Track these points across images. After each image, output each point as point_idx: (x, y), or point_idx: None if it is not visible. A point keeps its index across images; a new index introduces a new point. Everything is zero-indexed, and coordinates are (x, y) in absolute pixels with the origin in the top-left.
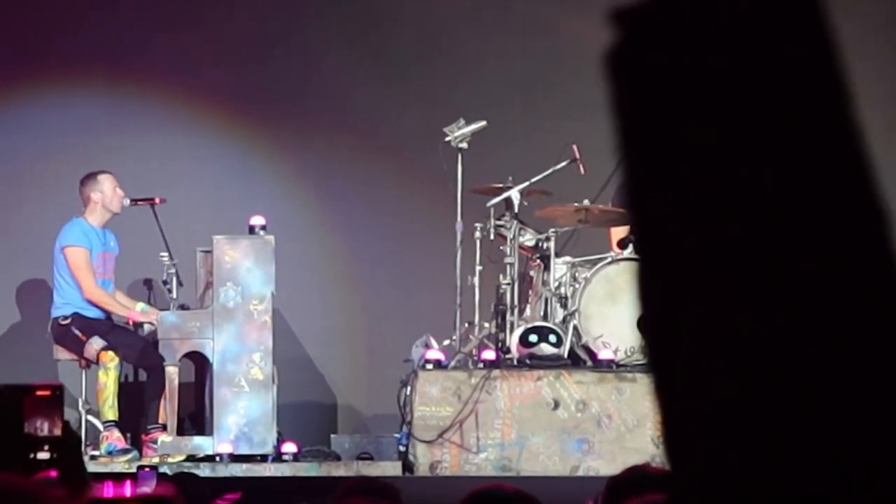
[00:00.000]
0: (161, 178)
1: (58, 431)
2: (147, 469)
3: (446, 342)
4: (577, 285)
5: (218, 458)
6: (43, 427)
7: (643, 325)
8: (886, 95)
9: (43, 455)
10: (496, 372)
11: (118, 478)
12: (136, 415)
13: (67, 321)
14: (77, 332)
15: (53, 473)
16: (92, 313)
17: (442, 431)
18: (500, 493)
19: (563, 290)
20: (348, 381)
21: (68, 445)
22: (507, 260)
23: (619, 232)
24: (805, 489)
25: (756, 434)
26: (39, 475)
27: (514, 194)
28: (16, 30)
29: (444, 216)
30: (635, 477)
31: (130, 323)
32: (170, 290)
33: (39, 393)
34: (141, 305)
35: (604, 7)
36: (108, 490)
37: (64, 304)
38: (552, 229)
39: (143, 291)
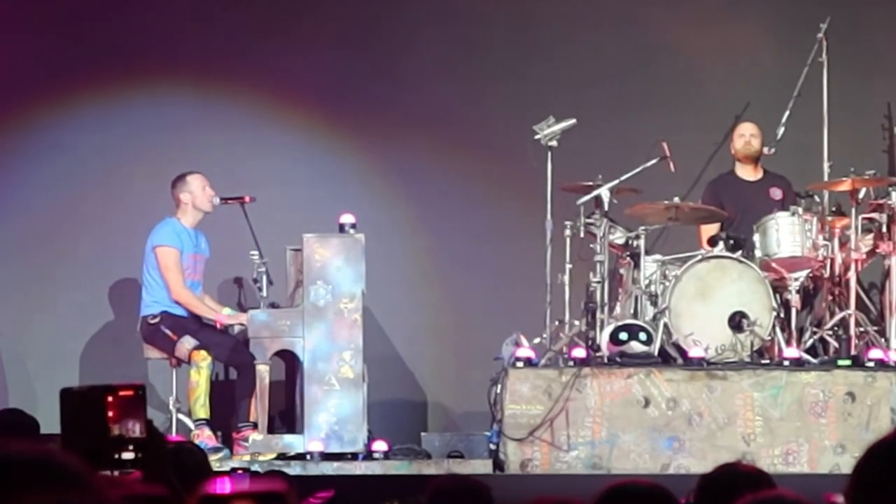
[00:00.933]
0: (251, 177)
1: (142, 431)
2: (241, 472)
3: (536, 340)
4: (667, 283)
5: (308, 457)
6: (127, 427)
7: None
8: None
9: (128, 455)
10: (586, 370)
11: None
12: (226, 413)
13: (156, 320)
14: (167, 330)
15: (138, 474)
16: (180, 311)
17: (532, 429)
18: (636, 488)
19: (653, 287)
20: (438, 379)
21: (153, 445)
22: (597, 258)
23: (709, 229)
24: None
25: None
26: (125, 475)
27: (604, 192)
28: (105, 29)
29: (533, 214)
30: (727, 475)
31: (219, 326)
32: (260, 289)
33: (122, 393)
34: (227, 311)
35: (696, 9)
36: (218, 486)
37: (153, 303)
38: (642, 227)
39: (233, 290)
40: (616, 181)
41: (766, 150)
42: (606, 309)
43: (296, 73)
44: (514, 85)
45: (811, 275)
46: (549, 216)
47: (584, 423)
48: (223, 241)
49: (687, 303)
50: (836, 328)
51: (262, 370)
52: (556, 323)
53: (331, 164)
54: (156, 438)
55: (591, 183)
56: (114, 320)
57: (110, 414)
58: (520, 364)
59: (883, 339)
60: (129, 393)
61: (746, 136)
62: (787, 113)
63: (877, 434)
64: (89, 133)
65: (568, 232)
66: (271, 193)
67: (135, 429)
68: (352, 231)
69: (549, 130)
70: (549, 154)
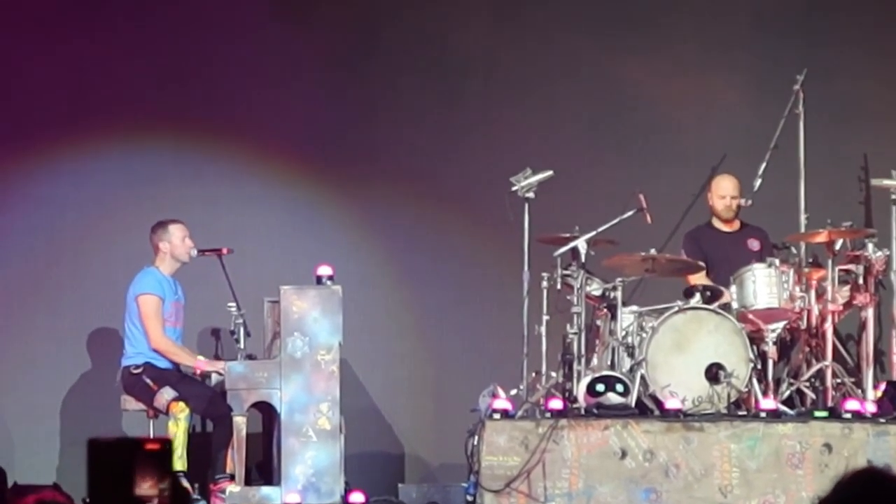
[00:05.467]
0: (229, 229)
1: (167, 487)
2: None
3: (513, 392)
4: (644, 335)
5: None
6: (151, 482)
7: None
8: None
9: None
10: (563, 421)
11: None
12: (203, 465)
13: (139, 370)
14: (149, 381)
15: None
16: (163, 364)
17: (509, 481)
18: None
19: (630, 339)
20: (415, 431)
21: (179, 499)
22: (574, 309)
23: (696, 279)
24: None
25: None
26: None
27: (581, 244)
28: (82, 82)
29: (510, 266)
30: None
31: (198, 373)
32: (237, 341)
33: (150, 447)
34: (201, 359)
35: (671, 61)
36: None
37: (136, 354)
38: (619, 279)
39: (210, 342)
40: (593, 233)
41: (742, 201)
42: (583, 360)
43: (273, 126)
44: (491, 137)
45: (788, 326)
46: (526, 268)
47: (561, 475)
48: (201, 293)
49: (664, 354)
50: (812, 379)
51: (239, 422)
52: (533, 374)
53: (308, 216)
54: (180, 494)
55: (567, 235)
56: (92, 372)
57: (137, 468)
58: (496, 416)
59: (859, 391)
60: (156, 447)
61: (727, 198)
62: (763, 164)
63: None
64: (66, 186)
65: (545, 283)
66: (249, 245)
67: (161, 484)
68: (329, 283)
69: (526, 182)
70: (526, 206)
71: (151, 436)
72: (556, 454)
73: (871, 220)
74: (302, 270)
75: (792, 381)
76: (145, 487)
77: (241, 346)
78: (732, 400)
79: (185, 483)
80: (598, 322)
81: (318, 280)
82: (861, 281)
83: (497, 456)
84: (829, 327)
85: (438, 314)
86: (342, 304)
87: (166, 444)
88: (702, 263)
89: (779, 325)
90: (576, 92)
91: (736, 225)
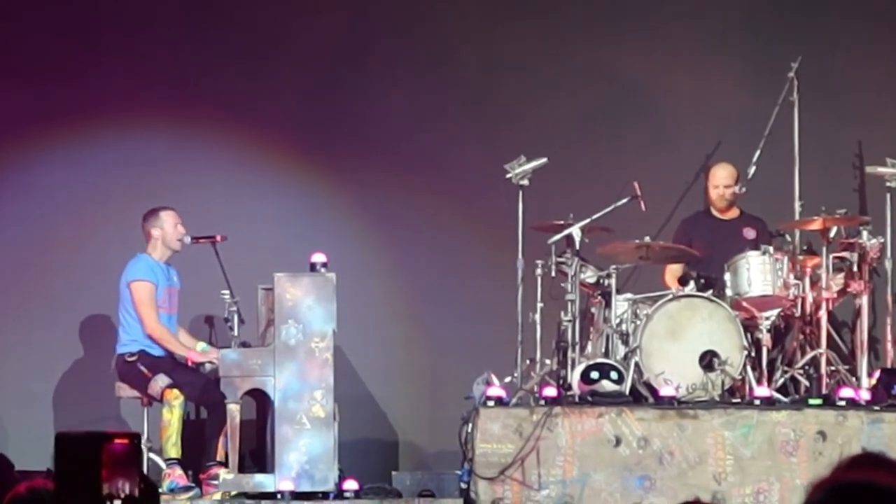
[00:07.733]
0: (223, 216)
1: (136, 482)
2: None
3: (507, 379)
4: (638, 322)
5: (279, 496)
6: (121, 478)
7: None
8: None
9: None
10: (557, 409)
11: None
12: (197, 452)
13: (134, 358)
14: (143, 368)
15: None
16: (157, 351)
17: (503, 468)
18: None
19: (624, 326)
20: (409, 418)
21: (146, 495)
22: (569, 297)
23: (673, 269)
24: None
25: None
26: None
27: (576, 231)
28: (77, 67)
29: (505, 253)
30: None
31: (190, 363)
32: (231, 328)
33: (118, 441)
34: (202, 345)
35: (666, 48)
36: None
37: (131, 341)
38: (613, 266)
39: (204, 329)
40: (587, 220)
41: (737, 188)
42: (578, 348)
43: (268, 113)
44: (486, 124)
45: (782, 314)
46: (520, 255)
47: (556, 462)
48: (195, 280)
49: (658, 342)
50: (806, 367)
51: (233, 409)
52: (528, 362)
53: (302, 203)
54: (150, 491)
55: (562, 222)
56: (85, 359)
57: (105, 463)
58: (491, 403)
59: (854, 378)
60: (125, 441)
61: (720, 188)
62: (758, 152)
63: None
64: (59, 171)
65: (539, 271)
66: (243, 232)
67: (129, 480)
68: (323, 270)
69: (521, 169)
70: (521, 193)
71: (145, 423)
72: (550, 442)
73: (866, 207)
74: (296, 258)
75: (786, 368)
76: (113, 482)
77: (235, 333)
78: (726, 387)
79: (179, 471)
80: (593, 309)
81: (312, 267)
82: (855, 268)
83: (491, 443)
84: (823, 315)
85: (432, 301)
86: (336, 291)
87: (135, 439)
88: (694, 251)
89: (773, 313)
90: (570, 79)
91: (733, 213)
